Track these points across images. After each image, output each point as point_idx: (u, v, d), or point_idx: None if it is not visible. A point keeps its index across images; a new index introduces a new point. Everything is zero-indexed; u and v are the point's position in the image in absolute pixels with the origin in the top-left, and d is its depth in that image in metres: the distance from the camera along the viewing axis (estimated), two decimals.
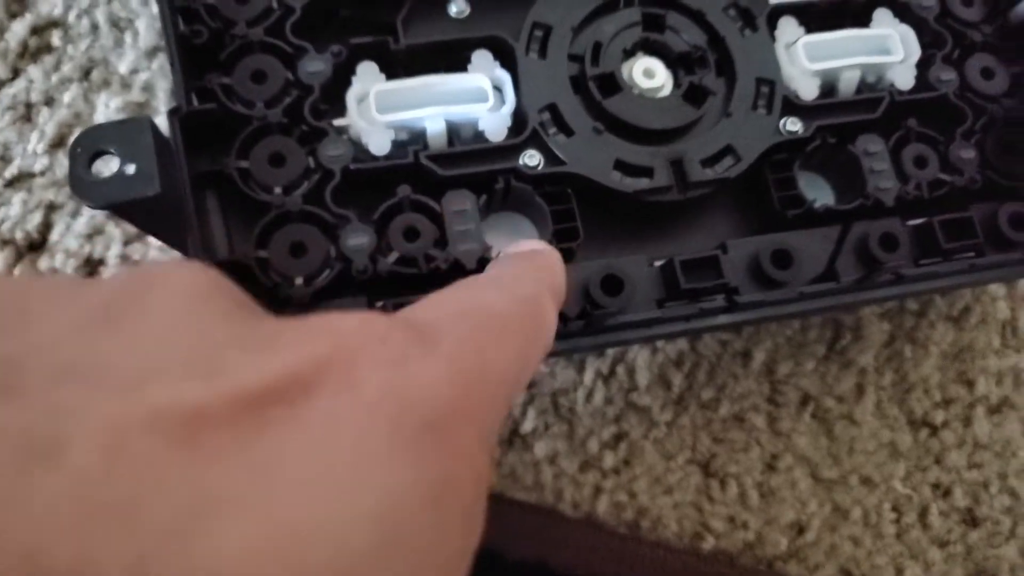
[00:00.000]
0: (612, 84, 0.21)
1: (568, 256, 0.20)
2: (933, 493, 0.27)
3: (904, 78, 0.23)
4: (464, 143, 0.21)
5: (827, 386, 0.27)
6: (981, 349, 0.28)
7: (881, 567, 0.26)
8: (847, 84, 0.22)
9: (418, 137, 0.20)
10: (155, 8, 0.25)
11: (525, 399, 0.26)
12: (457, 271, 0.19)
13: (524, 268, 0.17)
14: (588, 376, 0.26)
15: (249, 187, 0.19)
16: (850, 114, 0.22)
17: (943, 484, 0.27)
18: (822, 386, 0.27)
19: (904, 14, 0.23)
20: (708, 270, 0.21)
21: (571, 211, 0.20)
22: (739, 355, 0.27)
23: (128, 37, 0.27)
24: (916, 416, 0.27)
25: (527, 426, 0.26)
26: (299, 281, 0.18)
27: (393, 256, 0.19)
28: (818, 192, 0.23)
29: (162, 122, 0.18)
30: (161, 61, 0.27)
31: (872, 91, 0.23)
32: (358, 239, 0.19)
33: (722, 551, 0.26)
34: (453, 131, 0.21)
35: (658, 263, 0.21)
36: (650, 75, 0.22)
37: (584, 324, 0.19)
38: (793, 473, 0.26)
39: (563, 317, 0.19)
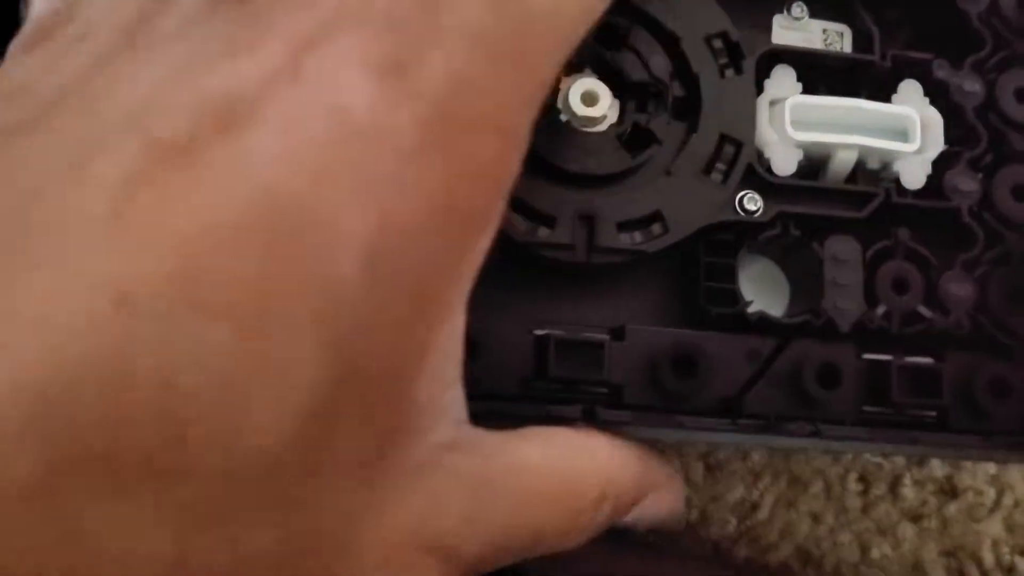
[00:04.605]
0: None
1: None
2: (907, 460, 0.24)
3: (914, 175, 0.18)
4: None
5: None
6: None
7: (844, 545, 0.23)
8: (839, 166, 0.18)
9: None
10: None
11: None
12: None
13: None
14: None
15: None
16: (828, 206, 0.18)
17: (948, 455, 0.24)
18: None
19: (937, 95, 0.18)
20: (590, 357, 0.17)
21: None
22: None
23: None
24: None
25: None
26: None
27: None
28: (769, 286, 0.18)
29: None
30: None
31: (869, 182, 0.18)
32: None
33: (657, 532, 0.23)
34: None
35: (538, 332, 0.17)
36: (590, 101, 0.17)
37: None
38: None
39: None
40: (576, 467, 0.15)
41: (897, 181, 0.18)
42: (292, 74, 0.11)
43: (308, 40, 0.11)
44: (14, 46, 0.13)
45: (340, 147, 0.11)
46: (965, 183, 0.18)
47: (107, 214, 0.10)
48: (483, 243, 0.12)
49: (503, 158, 0.12)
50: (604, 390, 0.17)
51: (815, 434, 0.17)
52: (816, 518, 0.23)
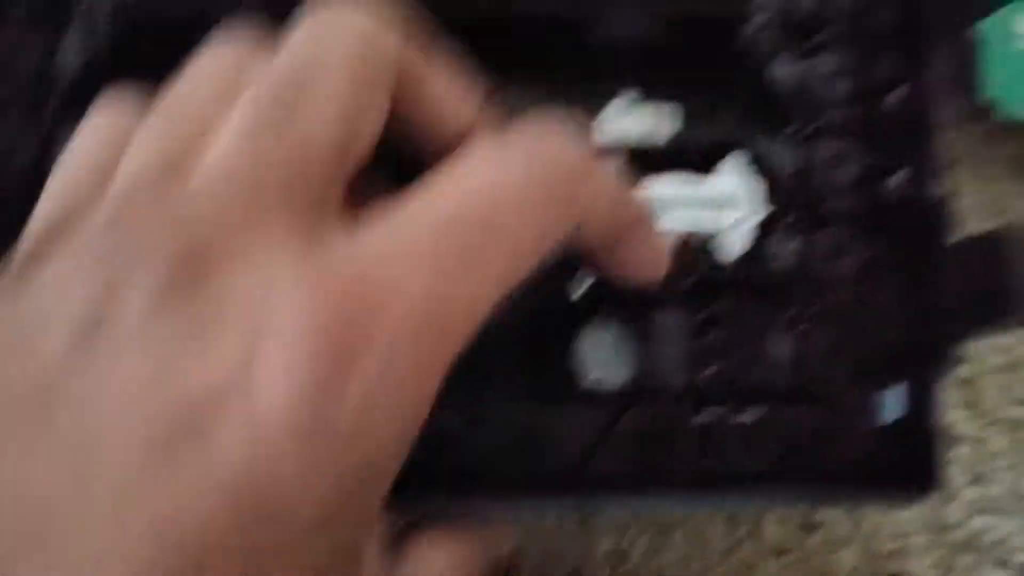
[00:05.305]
0: None
1: None
2: None
3: (734, 244, 0.20)
4: None
5: None
6: None
7: None
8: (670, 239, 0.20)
9: None
10: None
11: None
12: None
13: None
14: None
15: None
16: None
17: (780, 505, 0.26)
18: None
19: (755, 166, 0.20)
20: (445, 443, 0.18)
21: None
22: None
23: None
24: None
25: None
26: None
27: None
28: (616, 352, 0.20)
29: None
30: None
31: (699, 254, 0.20)
32: None
33: None
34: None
35: None
36: None
37: None
38: None
39: None
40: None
41: (722, 248, 0.20)
42: (244, 374, 0.12)
43: (255, 344, 0.12)
44: None
45: (289, 441, 0.12)
46: (782, 248, 0.20)
47: (113, 511, 0.11)
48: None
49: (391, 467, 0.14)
50: (460, 474, 0.18)
51: (654, 495, 0.19)
52: (684, 562, 0.25)
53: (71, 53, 0.19)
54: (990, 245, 0.17)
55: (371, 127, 0.15)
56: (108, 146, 0.15)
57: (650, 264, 0.18)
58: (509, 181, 0.14)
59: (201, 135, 0.14)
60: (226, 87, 0.15)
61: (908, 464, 0.19)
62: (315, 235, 0.14)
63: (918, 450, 0.19)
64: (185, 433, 0.12)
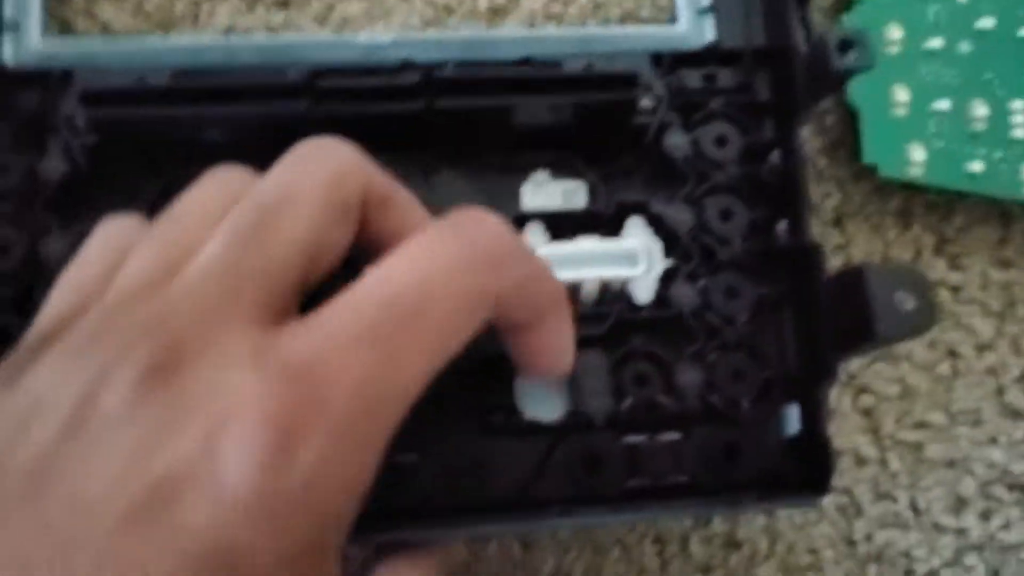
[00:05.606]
0: None
1: None
2: (695, 522, 0.28)
3: (644, 292, 0.23)
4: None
5: None
6: None
7: None
8: (587, 295, 0.22)
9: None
10: None
11: None
12: None
13: None
14: None
15: None
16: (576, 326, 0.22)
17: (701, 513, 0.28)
18: None
19: (657, 225, 0.23)
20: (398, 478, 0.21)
21: None
22: None
23: None
24: None
25: None
26: None
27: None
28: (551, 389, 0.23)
29: None
30: None
31: (614, 301, 0.23)
32: None
33: None
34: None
35: None
36: None
37: None
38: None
39: None
40: None
41: (631, 298, 0.23)
42: (209, 453, 0.14)
43: (219, 426, 0.14)
44: None
45: (246, 508, 0.14)
46: (685, 292, 0.23)
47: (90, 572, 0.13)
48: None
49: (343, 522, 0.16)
50: (415, 503, 0.21)
51: (586, 512, 0.21)
52: None
53: (53, 164, 0.22)
54: (852, 278, 0.20)
55: (337, 244, 0.17)
56: (108, 258, 0.17)
57: (557, 355, 0.19)
58: (436, 267, 0.16)
59: (189, 250, 0.16)
60: (218, 211, 0.17)
61: (807, 471, 0.22)
62: (272, 333, 0.16)
63: (814, 458, 0.22)
64: (158, 505, 0.14)
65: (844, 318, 0.21)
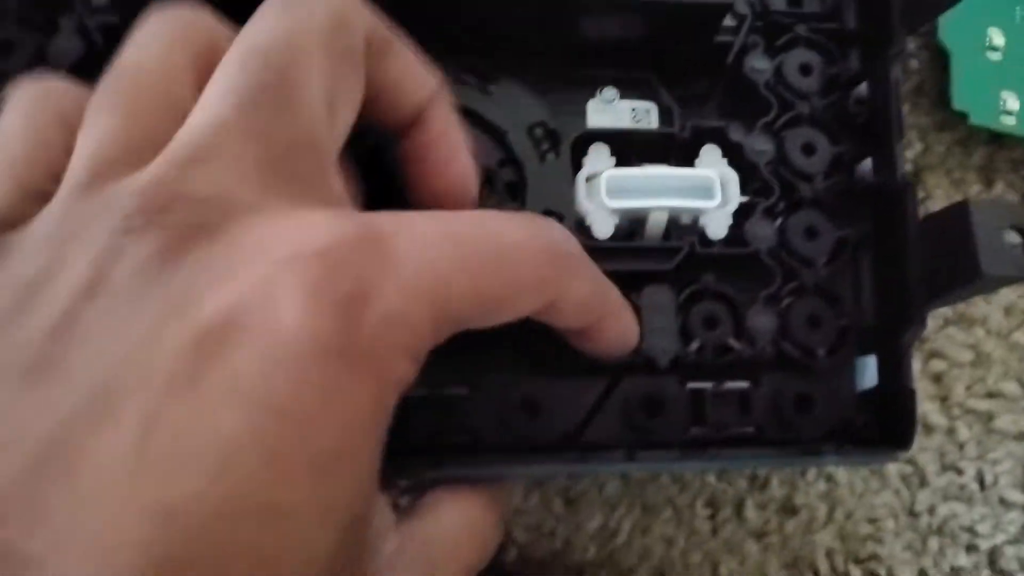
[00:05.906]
0: None
1: None
2: (750, 485, 0.26)
3: (717, 226, 0.21)
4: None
5: None
6: None
7: (696, 565, 0.26)
8: (654, 226, 0.21)
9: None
10: None
11: None
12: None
13: None
14: None
15: None
16: (641, 261, 0.20)
17: (760, 476, 0.26)
18: None
19: (734, 155, 0.21)
20: (449, 410, 0.19)
21: None
22: None
23: None
24: None
25: None
26: None
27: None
28: None
29: None
30: None
31: (682, 235, 0.21)
32: None
33: (529, 560, 0.25)
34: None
35: None
36: None
37: None
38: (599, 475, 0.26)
39: None
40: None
41: (703, 232, 0.21)
42: (264, 296, 0.12)
43: (270, 273, 0.12)
44: None
45: (311, 358, 0.12)
46: (762, 230, 0.21)
47: (134, 451, 0.11)
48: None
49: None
50: (464, 439, 0.19)
51: (646, 458, 0.20)
52: (669, 541, 0.25)
53: (66, 44, 0.19)
54: (956, 214, 0.18)
55: (353, 99, 0.16)
56: (45, 133, 0.15)
57: (619, 343, 0.19)
58: (518, 236, 0.15)
59: (171, 115, 0.14)
60: (185, 62, 0.15)
61: (888, 424, 0.20)
62: (322, 199, 0.14)
63: (896, 411, 0.20)
64: (204, 358, 0.12)
65: (942, 259, 0.19)
